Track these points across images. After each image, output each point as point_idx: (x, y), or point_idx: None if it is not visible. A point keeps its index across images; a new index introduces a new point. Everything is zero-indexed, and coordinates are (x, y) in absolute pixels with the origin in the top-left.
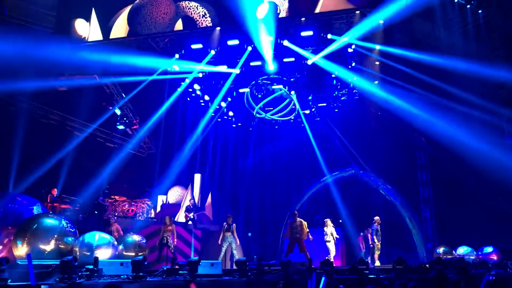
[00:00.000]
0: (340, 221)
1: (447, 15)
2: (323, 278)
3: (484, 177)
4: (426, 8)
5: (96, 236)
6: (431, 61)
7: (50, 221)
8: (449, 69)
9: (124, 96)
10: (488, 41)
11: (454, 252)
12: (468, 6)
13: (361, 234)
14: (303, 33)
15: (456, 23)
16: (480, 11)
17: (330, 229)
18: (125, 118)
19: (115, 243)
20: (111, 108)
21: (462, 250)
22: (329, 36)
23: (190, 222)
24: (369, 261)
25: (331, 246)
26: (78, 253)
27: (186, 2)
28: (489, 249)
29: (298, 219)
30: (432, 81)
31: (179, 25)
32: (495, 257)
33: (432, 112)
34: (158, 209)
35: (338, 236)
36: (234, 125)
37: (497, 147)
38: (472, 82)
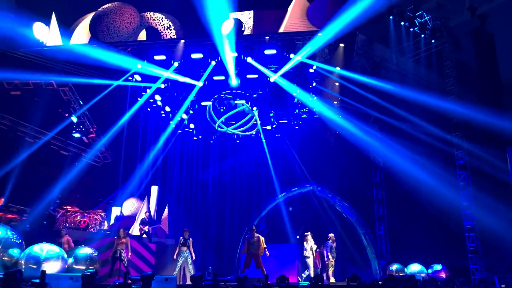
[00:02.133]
0: (298, 237)
1: (402, 42)
2: None
3: (434, 197)
4: (384, 34)
5: (44, 248)
6: (387, 87)
7: None
8: (404, 95)
9: (82, 103)
10: (439, 69)
11: (406, 269)
12: (422, 35)
13: (317, 250)
14: (267, 51)
15: (411, 50)
16: (433, 41)
17: (310, 244)
18: (81, 126)
19: (65, 256)
20: (67, 115)
21: (413, 267)
22: (292, 55)
23: (144, 236)
24: (324, 278)
25: (311, 262)
26: (23, 266)
27: (151, 13)
28: (438, 267)
29: (256, 234)
30: (387, 105)
31: (142, 35)
32: (443, 275)
33: (387, 133)
34: (112, 221)
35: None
36: (195, 138)
37: (447, 169)
38: (424, 109)
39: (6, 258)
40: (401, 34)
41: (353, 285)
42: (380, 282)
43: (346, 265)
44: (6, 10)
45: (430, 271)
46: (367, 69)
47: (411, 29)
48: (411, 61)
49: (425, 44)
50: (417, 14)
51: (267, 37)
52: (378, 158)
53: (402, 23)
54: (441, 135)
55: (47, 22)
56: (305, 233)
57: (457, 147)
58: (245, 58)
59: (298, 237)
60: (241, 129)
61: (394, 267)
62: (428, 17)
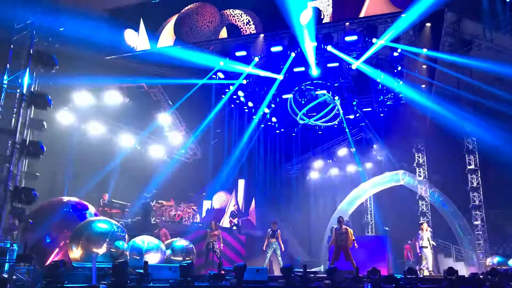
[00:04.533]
0: (386, 228)
1: (497, 16)
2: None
3: None
4: (475, 9)
5: (145, 241)
6: (481, 65)
7: (102, 226)
8: (500, 72)
9: (170, 103)
10: None
11: (509, 262)
12: None
13: (409, 242)
14: (347, 38)
15: (507, 24)
16: None
17: (426, 233)
18: (171, 125)
19: (164, 247)
20: (158, 115)
21: None
22: (374, 40)
23: (234, 228)
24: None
25: (428, 252)
26: (128, 257)
27: (230, 10)
28: None
29: (344, 226)
30: (482, 85)
31: (223, 33)
32: None
33: (482, 116)
34: (204, 214)
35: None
36: (277, 131)
37: None
38: None
39: (113, 250)
40: (495, 6)
41: (451, 278)
42: (480, 276)
43: (440, 258)
44: (100, 21)
45: None
46: (457, 48)
47: (507, 0)
48: (508, 36)
49: None
50: None
51: (347, 23)
52: (473, 143)
53: None
54: None
55: (136, 29)
56: (420, 221)
57: None
58: (325, 46)
59: (387, 228)
60: (323, 120)
61: (495, 260)
62: None
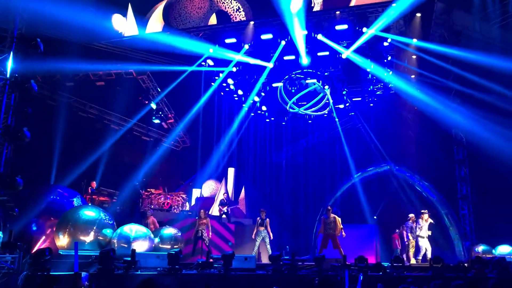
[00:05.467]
0: (375, 217)
1: (487, 7)
2: (360, 276)
3: None
4: (465, 0)
5: (133, 229)
6: (470, 57)
7: (90, 213)
8: (489, 64)
9: (159, 90)
10: None
11: (494, 251)
12: None
13: (397, 231)
14: (338, 27)
15: (497, 16)
16: None
17: (426, 224)
18: (160, 113)
19: (152, 236)
20: (147, 102)
21: (503, 249)
22: (364, 29)
23: (224, 216)
24: (405, 259)
25: (424, 243)
26: (116, 245)
27: None
28: None
29: (332, 215)
30: (470, 76)
31: (213, 20)
32: None
33: (470, 107)
34: (193, 202)
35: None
36: (267, 120)
37: None
38: None
39: (100, 238)
40: None
41: (436, 266)
42: (465, 264)
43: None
44: (87, 4)
45: None
46: (447, 39)
47: None
48: (497, 28)
49: None
50: None
51: (337, 12)
52: (461, 133)
53: None
54: None
55: (124, 13)
56: (422, 211)
57: None
58: (316, 35)
59: (375, 217)
60: (313, 109)
61: (481, 248)
62: None
